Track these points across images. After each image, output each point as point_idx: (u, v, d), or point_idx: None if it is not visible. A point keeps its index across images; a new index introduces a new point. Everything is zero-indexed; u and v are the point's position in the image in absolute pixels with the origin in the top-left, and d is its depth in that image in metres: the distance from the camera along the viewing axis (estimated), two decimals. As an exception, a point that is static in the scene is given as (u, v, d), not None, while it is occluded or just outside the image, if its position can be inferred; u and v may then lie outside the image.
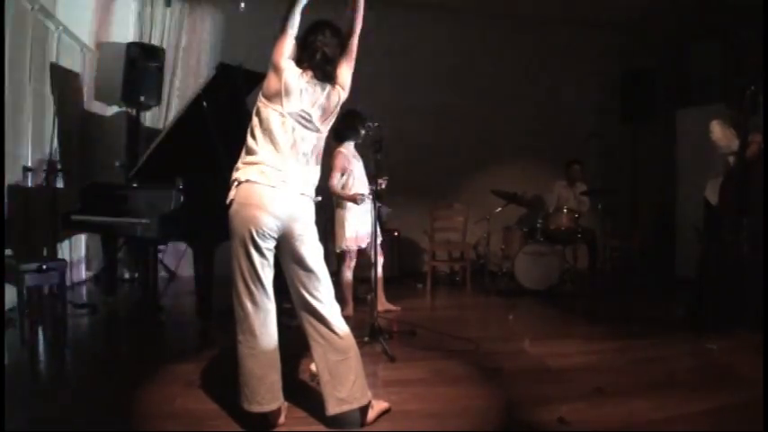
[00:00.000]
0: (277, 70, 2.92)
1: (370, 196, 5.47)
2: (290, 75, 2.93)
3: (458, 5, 8.35)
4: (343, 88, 3.09)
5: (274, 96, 2.92)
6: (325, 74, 3.02)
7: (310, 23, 3.07)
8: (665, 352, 4.69)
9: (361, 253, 5.86)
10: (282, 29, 2.94)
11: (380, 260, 5.96)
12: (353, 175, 5.64)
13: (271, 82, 2.94)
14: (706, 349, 4.68)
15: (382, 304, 5.84)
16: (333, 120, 3.11)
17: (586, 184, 7.93)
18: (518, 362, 4.41)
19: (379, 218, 5.87)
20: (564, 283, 7.37)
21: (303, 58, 3.00)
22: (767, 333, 4.43)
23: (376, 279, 4.98)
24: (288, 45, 2.95)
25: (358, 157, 5.78)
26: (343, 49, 3.10)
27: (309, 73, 3.00)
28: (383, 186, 5.52)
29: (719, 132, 5.21)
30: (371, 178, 5.56)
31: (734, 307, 5.25)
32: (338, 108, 3.10)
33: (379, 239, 5.86)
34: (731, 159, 5.14)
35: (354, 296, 6.13)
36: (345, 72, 3.11)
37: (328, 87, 3.04)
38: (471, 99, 8.65)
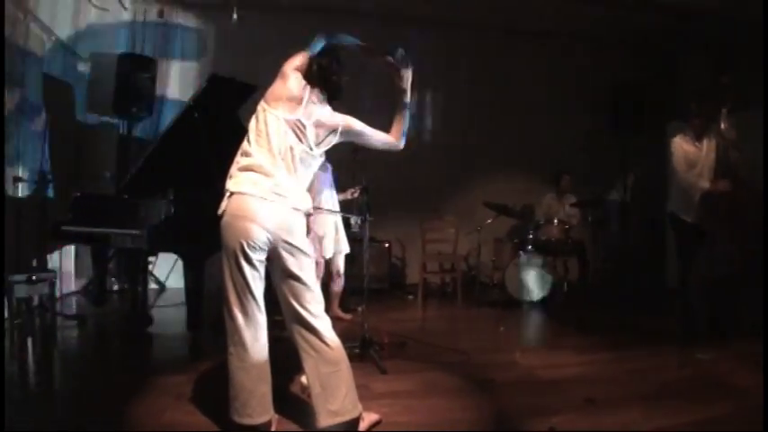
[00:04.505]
0: (284, 77, 2.98)
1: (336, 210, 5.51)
2: (295, 84, 2.97)
3: (448, 18, 8.39)
4: (344, 119, 3.10)
5: (275, 101, 2.95)
6: (320, 79, 3.05)
7: (322, 48, 3.12)
8: (656, 362, 4.71)
9: (326, 263, 5.91)
10: (305, 47, 3.05)
11: (341, 270, 6.07)
12: (317, 185, 5.64)
13: (275, 87, 2.99)
14: (697, 359, 4.71)
15: (334, 312, 6.03)
16: (326, 145, 3.10)
17: (576, 195, 7.97)
18: (509, 373, 4.41)
19: (347, 227, 5.93)
20: (555, 295, 7.38)
21: (307, 73, 3.03)
22: (767, 337, 4.46)
23: (367, 289, 4.97)
24: (300, 59, 3.02)
25: (326, 167, 5.78)
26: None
27: (312, 89, 3.02)
28: (355, 196, 5.55)
29: (678, 150, 5.30)
30: (344, 189, 5.66)
31: (724, 317, 5.28)
32: (335, 136, 3.09)
33: (347, 250, 5.93)
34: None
35: (345, 307, 6.20)
36: (355, 120, 3.16)
37: (329, 108, 3.08)
38: (462, 111, 8.69)
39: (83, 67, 7.46)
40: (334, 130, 3.06)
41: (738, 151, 5.08)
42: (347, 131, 3.11)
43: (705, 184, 5.11)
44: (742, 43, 7.72)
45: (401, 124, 3.22)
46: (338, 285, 6.15)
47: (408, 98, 3.22)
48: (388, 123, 3.24)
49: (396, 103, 3.24)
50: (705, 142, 5.30)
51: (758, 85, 6.24)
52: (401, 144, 3.23)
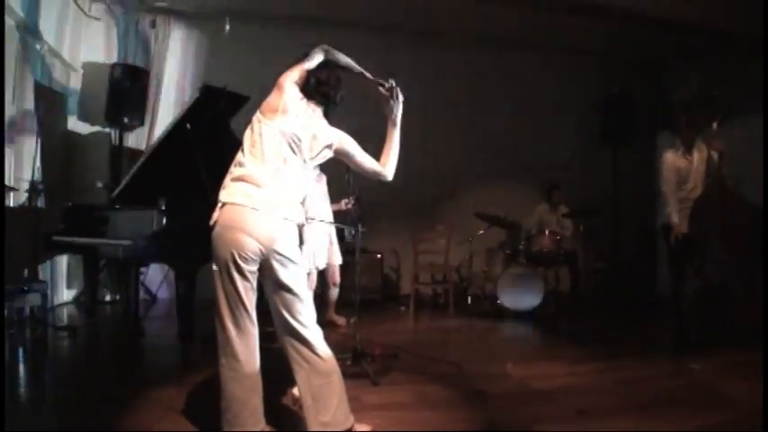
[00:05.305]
0: (280, 88, 2.98)
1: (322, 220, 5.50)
2: (291, 96, 2.97)
3: (439, 30, 8.42)
4: (339, 136, 3.11)
5: (271, 113, 2.95)
6: (317, 93, 3.06)
7: (320, 62, 3.13)
8: (649, 372, 4.71)
9: (320, 274, 5.91)
10: (301, 59, 3.07)
11: (337, 280, 6.12)
12: (309, 195, 5.62)
13: (271, 99, 2.99)
14: (689, 369, 4.72)
15: (330, 316, 6.21)
16: (321, 158, 3.10)
17: (568, 206, 8.00)
18: (501, 384, 4.41)
19: (341, 238, 5.95)
20: (546, 305, 7.38)
21: (304, 87, 3.04)
22: (767, 343, 4.49)
23: (358, 300, 4.96)
24: (298, 72, 3.04)
25: (320, 177, 5.78)
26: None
27: (309, 101, 3.04)
28: (349, 206, 5.56)
29: (670, 168, 5.35)
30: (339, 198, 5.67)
31: (716, 326, 5.30)
32: (330, 151, 3.09)
33: (340, 261, 5.96)
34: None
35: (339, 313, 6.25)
36: (350, 139, 3.16)
37: (325, 123, 3.09)
38: (454, 122, 8.71)
39: (75, 77, 7.45)
40: (328, 146, 3.07)
41: (724, 162, 5.13)
42: (340, 149, 3.11)
43: (675, 218, 5.22)
44: (731, 55, 7.79)
45: (390, 155, 3.22)
46: (334, 294, 6.20)
47: (398, 130, 3.23)
48: (380, 147, 3.24)
49: (386, 133, 3.25)
50: (695, 154, 5.35)
51: (748, 95, 6.31)
52: (390, 175, 3.23)
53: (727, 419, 3.64)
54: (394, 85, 3.20)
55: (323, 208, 5.71)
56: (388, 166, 3.21)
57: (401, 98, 3.21)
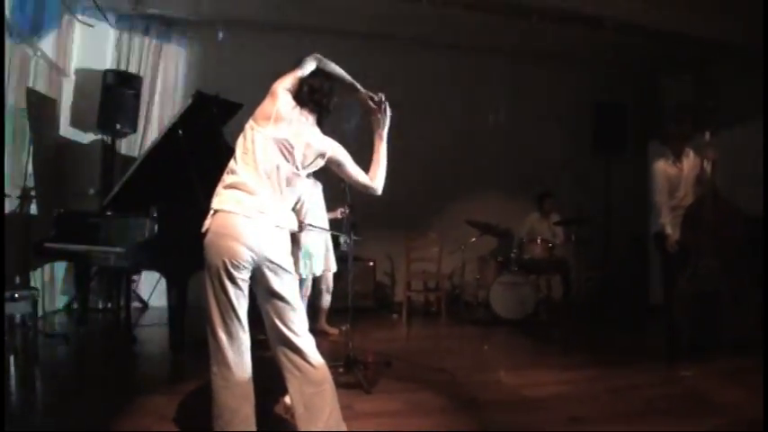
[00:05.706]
0: (273, 96, 2.99)
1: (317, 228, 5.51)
2: (284, 103, 2.97)
3: (430, 38, 8.43)
4: (332, 146, 3.09)
5: (264, 120, 2.95)
6: (310, 100, 3.06)
7: (312, 71, 3.14)
8: (641, 380, 4.72)
9: (315, 280, 5.91)
10: (295, 67, 3.07)
11: (330, 287, 6.21)
12: (306, 202, 5.64)
13: (264, 106, 2.99)
14: (681, 376, 4.73)
15: (321, 326, 6.23)
16: (313, 167, 3.09)
17: (559, 214, 8.01)
18: (494, 392, 4.41)
19: (336, 246, 5.96)
20: (539, 313, 7.39)
21: (297, 94, 3.04)
22: (767, 348, 4.50)
23: (351, 308, 4.95)
24: (291, 79, 3.04)
25: (317, 184, 5.78)
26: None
27: (302, 109, 3.03)
28: (344, 215, 5.57)
29: (661, 176, 5.38)
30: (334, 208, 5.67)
31: (708, 333, 5.32)
32: (323, 160, 3.08)
33: (335, 268, 5.97)
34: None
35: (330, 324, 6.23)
36: (343, 150, 3.15)
37: (318, 131, 3.08)
38: (444, 130, 8.72)
39: (67, 83, 7.44)
40: (321, 155, 3.05)
41: (717, 171, 5.16)
42: (333, 159, 3.10)
43: (669, 230, 5.26)
44: (725, 64, 7.85)
45: (378, 169, 3.21)
46: (326, 301, 6.20)
47: (385, 144, 3.23)
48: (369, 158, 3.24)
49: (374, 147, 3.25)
50: (685, 161, 5.38)
51: (742, 104, 6.37)
52: (379, 189, 3.22)
53: (721, 425, 3.65)
54: (383, 98, 3.21)
55: (319, 215, 5.71)
56: (376, 180, 3.20)
57: (389, 112, 3.22)
